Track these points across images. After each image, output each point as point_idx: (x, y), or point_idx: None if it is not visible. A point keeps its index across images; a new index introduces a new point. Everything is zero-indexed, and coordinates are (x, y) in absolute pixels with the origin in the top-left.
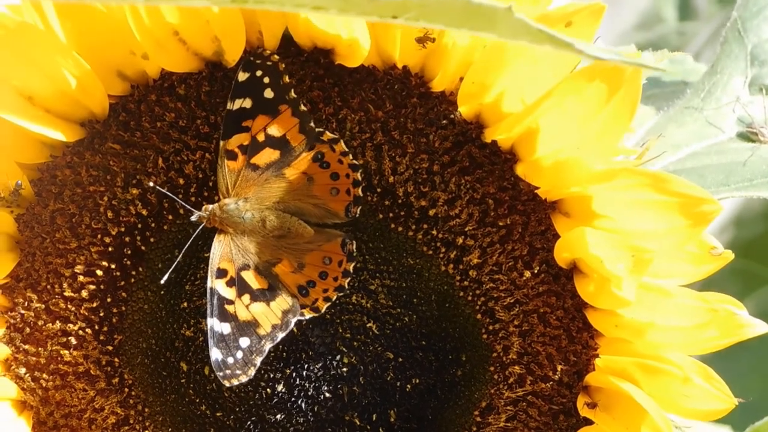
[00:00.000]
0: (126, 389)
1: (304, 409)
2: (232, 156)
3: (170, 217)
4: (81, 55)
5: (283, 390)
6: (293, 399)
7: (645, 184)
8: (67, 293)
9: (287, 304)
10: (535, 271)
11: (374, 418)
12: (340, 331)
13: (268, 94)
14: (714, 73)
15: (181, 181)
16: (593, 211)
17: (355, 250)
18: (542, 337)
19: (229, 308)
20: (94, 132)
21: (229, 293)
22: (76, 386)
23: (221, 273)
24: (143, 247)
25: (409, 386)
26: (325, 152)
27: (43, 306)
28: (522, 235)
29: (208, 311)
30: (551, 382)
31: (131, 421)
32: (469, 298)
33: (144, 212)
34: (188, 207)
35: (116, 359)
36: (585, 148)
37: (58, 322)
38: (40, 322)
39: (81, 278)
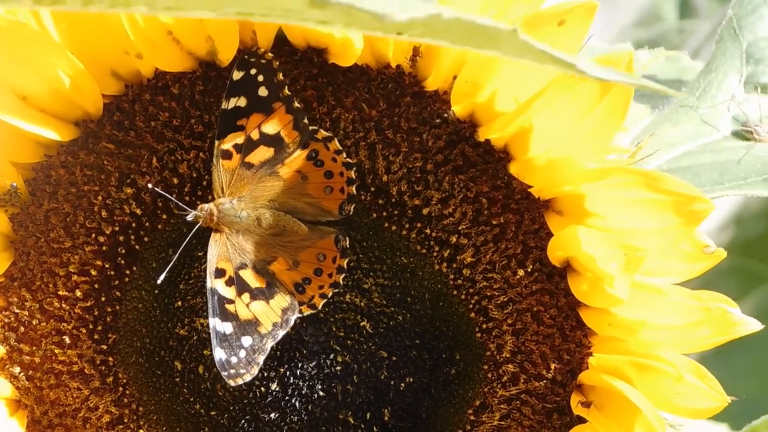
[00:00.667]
0: (120, 388)
1: (298, 407)
2: (227, 155)
3: (164, 216)
4: (75, 54)
5: (277, 389)
6: (287, 398)
7: (637, 183)
8: (62, 292)
9: (286, 302)
10: (529, 270)
11: (368, 417)
12: (334, 329)
13: (263, 92)
14: (709, 71)
15: (176, 181)
16: (586, 210)
17: (348, 246)
18: (536, 335)
19: (230, 307)
20: (88, 131)
21: (229, 292)
22: (71, 385)
23: (220, 273)
24: (137, 247)
25: (403, 385)
26: (319, 150)
27: (38, 305)
28: (515, 234)
29: (209, 311)
30: (545, 381)
31: (125, 420)
32: (463, 296)
33: (138, 211)
34: (184, 207)
35: (110, 358)
36: (578, 146)
37: (52, 321)
38: (34, 321)
39: (75, 277)
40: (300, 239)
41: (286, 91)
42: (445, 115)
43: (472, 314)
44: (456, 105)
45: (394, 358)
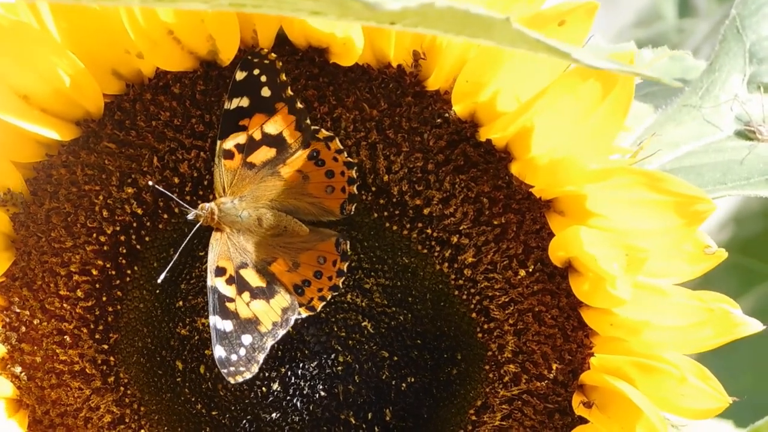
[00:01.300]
0: (122, 388)
1: (299, 407)
2: (229, 155)
3: (165, 216)
4: (76, 54)
5: (279, 389)
6: (289, 398)
7: (639, 183)
8: (63, 292)
9: (286, 301)
10: (530, 270)
11: (370, 417)
12: (336, 329)
13: (265, 92)
14: (712, 71)
15: (177, 180)
16: (588, 210)
17: (348, 250)
18: (537, 335)
19: (230, 306)
20: (89, 131)
21: (229, 291)
22: (72, 385)
23: (220, 271)
24: (138, 246)
25: (404, 385)
26: (320, 150)
27: (39, 305)
28: (517, 234)
29: (210, 309)
30: (546, 381)
31: (127, 420)
32: (464, 296)
33: (139, 211)
34: (185, 206)
35: (112, 358)
36: (580, 146)
37: (53, 320)
38: (35, 321)
39: (76, 277)
40: (300, 241)
41: (289, 92)
42: (447, 114)
43: (474, 314)
44: (457, 105)
45: (395, 358)
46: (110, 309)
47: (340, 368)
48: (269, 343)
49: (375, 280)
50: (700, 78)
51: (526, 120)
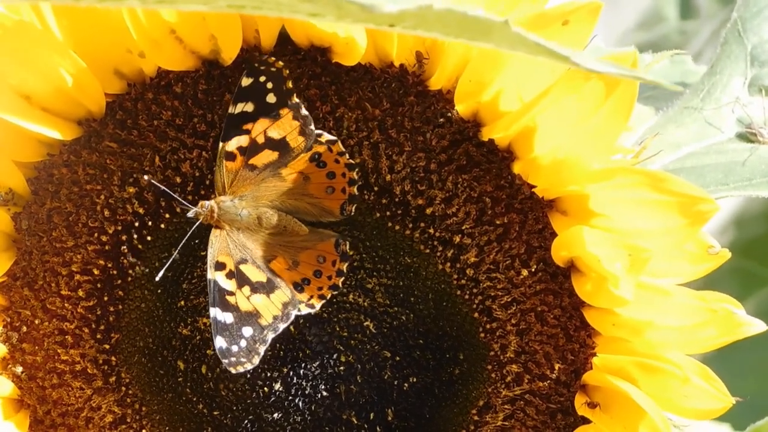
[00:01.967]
0: (123, 388)
1: (301, 407)
2: (230, 157)
3: (167, 215)
4: (78, 53)
5: (281, 389)
6: (290, 398)
7: (642, 183)
8: (64, 292)
9: (286, 296)
10: (533, 270)
11: (372, 417)
12: (338, 329)
13: (271, 98)
14: (713, 73)
15: (178, 180)
16: (591, 210)
17: (348, 250)
18: (540, 335)
19: (230, 299)
20: (91, 130)
21: (229, 285)
22: (73, 385)
23: (220, 266)
24: (140, 246)
25: (406, 385)
26: (322, 152)
27: (40, 304)
28: (519, 234)
29: (210, 301)
30: (549, 381)
31: (128, 420)
32: (467, 296)
33: (141, 211)
34: (184, 203)
35: (113, 358)
36: (582, 146)
37: (54, 320)
38: (36, 321)
39: (78, 276)
40: (300, 240)
41: (295, 99)
42: (449, 114)
43: (476, 314)
44: (460, 104)
45: (397, 358)
46: (112, 309)
47: (342, 368)
48: (270, 335)
49: (377, 279)
50: (702, 80)
51: (529, 120)
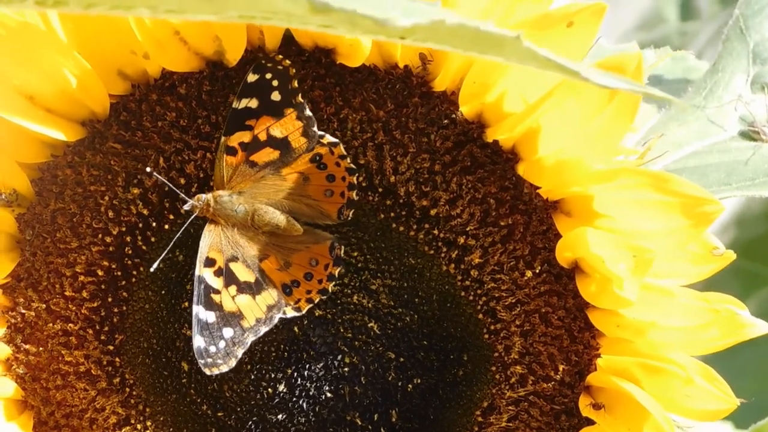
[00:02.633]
0: (127, 389)
1: (305, 409)
2: (231, 151)
3: (171, 216)
4: (82, 54)
5: (285, 390)
6: (295, 399)
7: (646, 184)
8: (68, 293)
9: (272, 299)
10: (537, 271)
11: (376, 418)
12: (342, 330)
13: (275, 96)
14: (716, 71)
15: (182, 181)
16: (595, 211)
17: (342, 255)
18: (544, 336)
19: (215, 297)
20: (95, 131)
21: (216, 283)
22: (77, 386)
23: (210, 262)
24: (144, 247)
25: (410, 386)
26: (323, 154)
27: (44, 306)
28: (523, 235)
29: (194, 299)
30: (553, 382)
31: (132, 421)
32: (471, 297)
33: (145, 212)
34: (181, 194)
35: (117, 359)
36: (586, 147)
37: (58, 321)
38: (40, 322)
39: (82, 278)
40: (294, 241)
41: (300, 99)
42: (453, 115)
43: (480, 315)
44: (464, 106)
45: (401, 360)
46: (116, 310)
47: (346, 369)
48: (250, 338)
49: (381, 281)
50: (704, 78)
51: (533, 121)
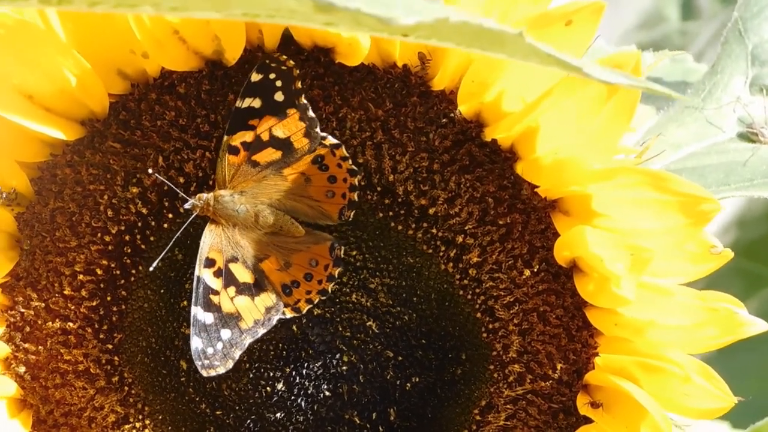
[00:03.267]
0: (126, 388)
1: (303, 407)
2: (234, 151)
3: (170, 215)
4: (81, 53)
5: (283, 388)
6: (293, 397)
7: (644, 183)
8: (67, 292)
9: (271, 301)
10: (535, 270)
11: (374, 417)
12: (340, 329)
13: (279, 96)
14: (714, 73)
15: (182, 180)
16: (593, 210)
17: (342, 256)
18: (542, 335)
19: (214, 299)
20: (94, 131)
21: (215, 284)
22: (76, 385)
23: (209, 263)
24: (143, 246)
25: (408, 385)
26: (325, 155)
27: (43, 304)
28: (522, 234)
29: (193, 299)
30: (551, 381)
31: (131, 420)
32: (469, 296)
33: (144, 211)
34: (182, 193)
35: (116, 358)
36: (585, 146)
37: (57, 320)
38: (39, 321)
39: (81, 277)
40: (295, 241)
41: (303, 100)
42: (452, 114)
43: (479, 314)
44: (463, 105)
45: (400, 358)
46: (115, 309)
47: (344, 368)
48: (247, 340)
49: (380, 279)
50: (703, 80)
51: (532, 120)
